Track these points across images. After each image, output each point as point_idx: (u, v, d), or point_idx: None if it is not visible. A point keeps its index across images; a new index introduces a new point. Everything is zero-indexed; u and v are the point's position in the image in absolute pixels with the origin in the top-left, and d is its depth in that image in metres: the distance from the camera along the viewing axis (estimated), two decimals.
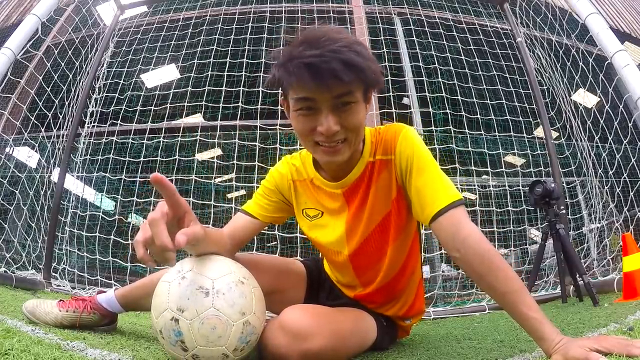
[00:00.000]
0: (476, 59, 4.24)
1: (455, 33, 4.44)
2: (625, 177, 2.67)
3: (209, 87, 4.02)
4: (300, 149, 1.09)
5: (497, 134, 3.84)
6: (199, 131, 3.93)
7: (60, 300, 1.15)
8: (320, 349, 0.84)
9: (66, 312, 1.10)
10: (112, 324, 1.19)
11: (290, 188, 1.06)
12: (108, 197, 5.64)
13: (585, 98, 3.42)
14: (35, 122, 3.54)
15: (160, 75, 5.69)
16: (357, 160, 0.95)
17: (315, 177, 1.01)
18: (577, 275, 2.01)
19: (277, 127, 3.64)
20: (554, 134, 3.07)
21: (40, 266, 2.70)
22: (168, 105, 4.11)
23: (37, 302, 1.15)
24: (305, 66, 0.74)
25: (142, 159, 3.63)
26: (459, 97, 3.94)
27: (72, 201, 3.65)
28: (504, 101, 3.95)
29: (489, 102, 3.94)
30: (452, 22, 4.74)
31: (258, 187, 1.12)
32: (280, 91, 0.89)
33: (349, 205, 0.98)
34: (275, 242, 3.45)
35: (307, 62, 0.74)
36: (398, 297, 1.11)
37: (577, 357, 0.67)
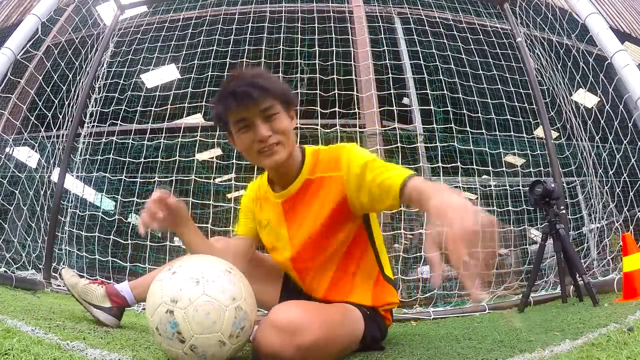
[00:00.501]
0: (477, 59, 4.24)
1: (455, 33, 4.44)
2: (625, 177, 2.67)
3: (209, 88, 4.02)
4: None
5: (497, 133, 3.84)
6: (199, 131, 3.93)
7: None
8: (313, 342, 0.87)
9: (83, 279, 1.29)
10: (112, 314, 1.24)
11: (255, 205, 1.25)
12: (108, 197, 5.64)
13: (585, 98, 3.42)
14: (35, 122, 3.54)
15: (160, 76, 5.69)
16: (295, 176, 1.13)
17: (267, 190, 1.20)
18: (577, 275, 2.01)
19: None
20: (554, 134, 3.07)
21: (40, 266, 2.70)
22: (168, 105, 4.11)
23: (71, 271, 1.35)
24: (230, 94, 1.01)
25: (142, 159, 3.63)
26: (460, 95, 3.94)
27: (72, 201, 3.65)
28: (504, 101, 3.95)
29: (489, 101, 3.94)
30: (452, 22, 4.73)
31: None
32: (224, 130, 1.11)
33: (286, 215, 1.15)
34: None
35: (231, 91, 1.01)
36: (352, 293, 1.16)
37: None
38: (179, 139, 3.94)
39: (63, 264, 2.93)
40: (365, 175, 1.01)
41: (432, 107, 3.90)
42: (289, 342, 0.85)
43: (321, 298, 1.16)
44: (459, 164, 3.72)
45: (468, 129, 3.79)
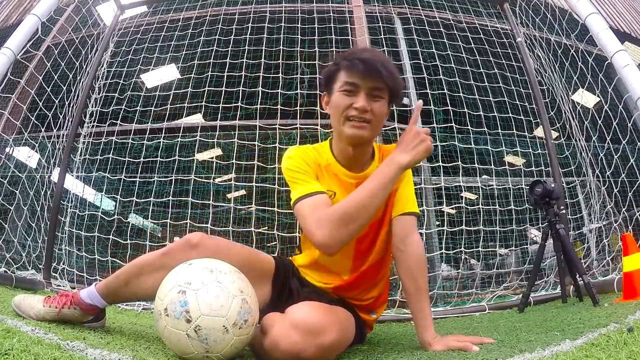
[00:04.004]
0: (477, 58, 4.24)
1: (455, 33, 4.44)
2: (623, 177, 2.67)
3: (209, 88, 4.02)
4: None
5: (498, 131, 3.85)
6: (198, 131, 3.93)
7: (48, 296, 1.15)
8: (332, 342, 0.93)
9: (49, 308, 1.11)
10: (99, 320, 1.17)
11: (317, 169, 1.20)
12: (108, 197, 5.64)
13: (585, 98, 3.42)
14: (35, 122, 3.54)
15: (160, 76, 5.69)
16: (369, 163, 1.22)
17: (334, 163, 1.20)
18: (577, 275, 2.01)
19: (277, 127, 3.64)
20: (554, 134, 3.07)
21: (40, 266, 2.69)
22: (168, 105, 4.11)
23: (24, 296, 1.17)
24: (360, 60, 1.07)
25: (142, 159, 3.63)
26: (460, 95, 3.94)
27: (72, 201, 3.65)
28: (504, 100, 3.95)
29: (489, 101, 3.94)
30: (452, 22, 4.73)
31: (285, 177, 1.19)
32: (320, 90, 1.21)
33: None
34: (275, 242, 3.45)
35: (362, 58, 1.07)
36: (376, 284, 1.28)
37: (455, 346, 1.03)
38: (179, 139, 3.94)
39: (63, 264, 2.93)
40: (408, 179, 1.22)
41: (432, 107, 3.90)
42: (311, 342, 0.90)
43: (352, 280, 1.23)
44: (459, 163, 3.72)
45: (469, 127, 3.79)
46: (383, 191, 1.03)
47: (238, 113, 3.97)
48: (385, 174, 1.04)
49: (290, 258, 1.35)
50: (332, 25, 4.38)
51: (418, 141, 1.06)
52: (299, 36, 4.14)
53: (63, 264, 2.94)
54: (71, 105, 3.21)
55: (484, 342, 1.08)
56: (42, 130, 3.33)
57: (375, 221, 1.18)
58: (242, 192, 5.77)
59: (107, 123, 3.88)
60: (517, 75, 4.07)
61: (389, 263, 1.29)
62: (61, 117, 3.17)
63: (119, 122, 3.88)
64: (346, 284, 1.23)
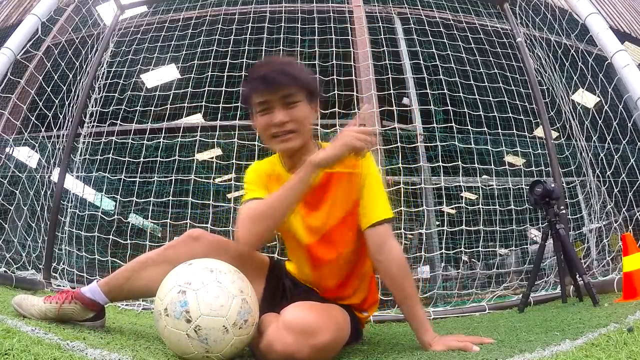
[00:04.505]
0: (477, 58, 4.24)
1: (455, 33, 4.44)
2: (623, 177, 2.67)
3: (209, 88, 4.02)
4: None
5: (498, 131, 3.85)
6: (198, 131, 3.92)
7: (48, 295, 1.16)
8: (327, 342, 0.93)
9: (49, 304, 1.12)
10: (99, 319, 1.17)
11: (267, 180, 1.23)
12: (108, 197, 5.64)
13: (585, 98, 3.42)
14: (35, 122, 3.54)
15: (160, 76, 5.69)
16: None
17: (281, 172, 1.22)
18: (577, 275, 2.01)
19: None
20: (554, 134, 3.07)
21: (40, 266, 2.69)
22: (168, 105, 4.11)
23: (25, 296, 1.17)
24: (258, 79, 1.09)
25: (142, 159, 3.63)
26: (461, 94, 3.94)
27: (72, 201, 3.65)
28: (505, 99, 3.95)
29: (489, 101, 3.94)
30: (452, 22, 4.73)
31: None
32: (247, 111, 1.18)
33: (306, 204, 1.16)
34: (275, 242, 3.45)
35: (260, 76, 1.08)
36: (353, 289, 1.24)
37: (455, 346, 1.03)
38: (179, 139, 3.94)
39: (63, 264, 2.93)
40: (372, 183, 1.14)
41: (432, 107, 3.91)
42: (305, 342, 0.90)
43: (330, 290, 1.21)
44: (459, 163, 3.72)
45: (469, 127, 3.79)
46: (293, 190, 1.03)
47: (238, 113, 3.98)
48: (297, 173, 1.03)
49: (286, 260, 1.37)
50: (332, 25, 4.38)
51: (339, 138, 1.04)
52: (299, 36, 4.14)
53: (63, 264, 2.94)
54: (71, 105, 3.21)
55: (484, 342, 1.08)
56: (42, 130, 3.33)
57: (332, 230, 1.16)
58: (242, 192, 5.76)
59: (107, 123, 3.88)
60: (517, 75, 4.07)
61: (365, 267, 1.25)
62: (61, 117, 3.17)
63: (119, 122, 3.88)
64: (322, 293, 1.23)
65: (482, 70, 4.14)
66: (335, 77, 4.03)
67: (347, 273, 1.21)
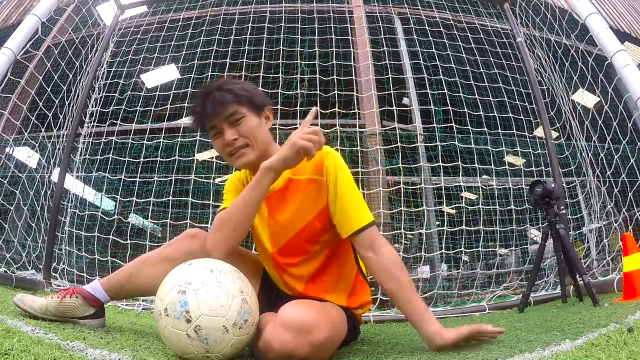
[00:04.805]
0: (477, 58, 4.24)
1: (455, 33, 4.44)
2: (623, 177, 2.67)
3: None
4: None
5: (498, 131, 3.85)
6: (198, 131, 3.91)
7: (48, 295, 1.18)
8: (324, 339, 0.94)
9: (51, 299, 1.14)
10: (99, 317, 1.17)
11: (242, 188, 1.20)
12: (108, 197, 5.63)
13: (585, 98, 3.42)
14: (35, 122, 3.54)
15: (160, 76, 5.68)
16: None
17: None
18: (577, 275, 2.01)
19: (277, 127, 3.64)
20: (554, 134, 3.07)
21: (40, 266, 2.69)
22: (168, 105, 4.11)
23: (25, 295, 1.19)
24: (197, 112, 1.13)
25: (142, 159, 3.63)
26: (461, 94, 3.94)
27: (72, 201, 3.65)
28: (505, 99, 3.95)
29: (489, 100, 3.94)
30: (452, 22, 4.74)
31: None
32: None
33: (270, 212, 1.17)
34: None
35: (197, 109, 1.13)
36: (331, 291, 1.19)
37: (468, 330, 1.01)
38: (179, 139, 3.94)
39: (63, 264, 2.93)
40: (343, 192, 1.11)
41: (431, 107, 3.91)
42: (303, 340, 0.90)
43: (299, 293, 1.19)
44: (459, 163, 3.72)
45: (469, 127, 3.79)
46: (249, 195, 1.05)
47: None
48: (254, 179, 1.05)
49: None
50: (332, 25, 4.38)
51: (287, 141, 1.04)
52: (299, 36, 4.14)
53: (63, 264, 2.94)
54: (71, 105, 3.21)
55: (491, 331, 1.07)
56: (42, 130, 3.33)
57: (296, 236, 1.14)
58: None
59: (107, 123, 3.88)
60: (517, 75, 4.07)
61: (341, 267, 1.21)
62: (61, 117, 3.17)
63: (119, 122, 3.88)
64: (298, 294, 1.20)
65: (482, 70, 4.14)
66: (335, 77, 4.03)
67: (314, 275, 1.18)
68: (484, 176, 4.24)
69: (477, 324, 1.05)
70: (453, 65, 4.14)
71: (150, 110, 4.07)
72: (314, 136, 1.02)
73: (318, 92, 3.89)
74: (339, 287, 1.20)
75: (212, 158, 5.38)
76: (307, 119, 1.09)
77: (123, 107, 4.05)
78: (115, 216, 3.82)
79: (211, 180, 4.32)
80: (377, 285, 1.40)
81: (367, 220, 1.11)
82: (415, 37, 4.32)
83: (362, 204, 1.13)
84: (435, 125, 3.94)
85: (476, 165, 3.68)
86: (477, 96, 3.94)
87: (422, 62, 4.11)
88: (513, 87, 4.05)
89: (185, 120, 4.55)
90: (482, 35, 4.39)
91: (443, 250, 3.27)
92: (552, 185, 2.10)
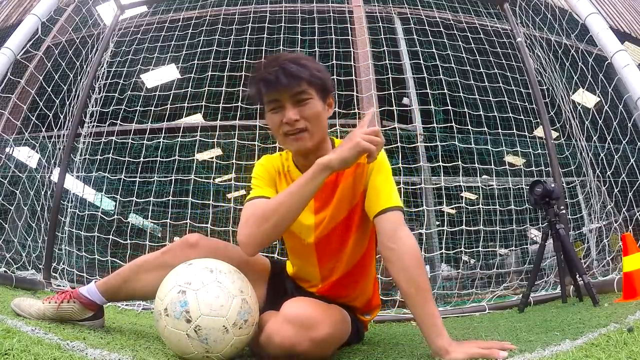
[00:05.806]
0: (477, 58, 4.24)
1: (455, 33, 4.44)
2: (623, 177, 2.67)
3: (209, 88, 4.02)
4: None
5: (499, 131, 3.85)
6: (198, 131, 3.93)
7: (47, 297, 1.17)
8: (325, 336, 0.93)
9: (48, 304, 1.13)
10: (97, 319, 1.17)
11: (276, 176, 1.19)
12: (108, 197, 5.64)
13: (585, 98, 3.42)
14: (35, 122, 3.54)
15: (160, 76, 5.69)
16: None
17: (293, 169, 1.18)
18: (577, 275, 2.01)
19: None
20: (554, 134, 3.07)
21: (40, 266, 2.69)
22: (168, 105, 4.11)
23: (23, 298, 1.19)
24: (268, 76, 1.03)
25: (142, 159, 3.63)
26: (461, 94, 3.94)
27: (72, 201, 3.65)
28: (505, 99, 3.95)
29: (489, 100, 3.94)
30: (452, 22, 4.74)
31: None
32: (261, 109, 1.12)
33: (316, 198, 1.11)
34: (276, 242, 3.45)
35: (269, 73, 1.03)
36: (358, 290, 1.22)
37: (478, 353, 0.88)
38: (179, 139, 3.94)
39: (63, 264, 2.93)
40: (381, 175, 1.10)
41: (432, 107, 3.91)
42: (304, 335, 0.90)
43: (335, 287, 1.18)
44: (459, 163, 3.72)
45: (469, 127, 3.79)
46: (301, 191, 0.99)
47: (238, 113, 3.97)
48: (306, 174, 1.00)
49: (287, 260, 1.35)
50: (332, 25, 4.38)
51: (349, 141, 0.99)
52: (299, 36, 4.14)
53: (63, 264, 2.94)
54: (71, 105, 3.21)
55: (505, 348, 0.92)
56: (42, 130, 3.33)
57: (337, 226, 1.13)
58: (242, 192, 5.77)
59: (107, 123, 3.88)
60: (517, 75, 4.07)
61: (370, 267, 1.22)
62: (61, 117, 3.17)
63: (119, 122, 3.88)
64: (325, 292, 1.20)
65: (482, 70, 4.14)
66: (335, 77, 4.03)
67: (352, 269, 1.18)
68: (484, 176, 4.24)
69: (492, 345, 0.93)
70: (453, 65, 4.14)
71: (150, 110, 4.08)
72: (376, 137, 0.97)
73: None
74: (365, 290, 1.23)
75: (212, 158, 5.38)
76: (366, 118, 1.04)
77: (123, 107, 4.06)
78: (115, 216, 3.82)
79: (211, 180, 4.33)
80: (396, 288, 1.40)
81: (395, 202, 1.07)
82: (415, 37, 4.32)
83: (395, 190, 1.11)
84: (435, 125, 3.94)
85: (476, 165, 3.68)
86: (477, 96, 3.94)
87: (422, 62, 4.10)
88: (513, 87, 4.05)
89: (186, 120, 4.55)
90: (482, 35, 4.39)
91: (443, 250, 3.27)
92: (552, 185, 2.10)
